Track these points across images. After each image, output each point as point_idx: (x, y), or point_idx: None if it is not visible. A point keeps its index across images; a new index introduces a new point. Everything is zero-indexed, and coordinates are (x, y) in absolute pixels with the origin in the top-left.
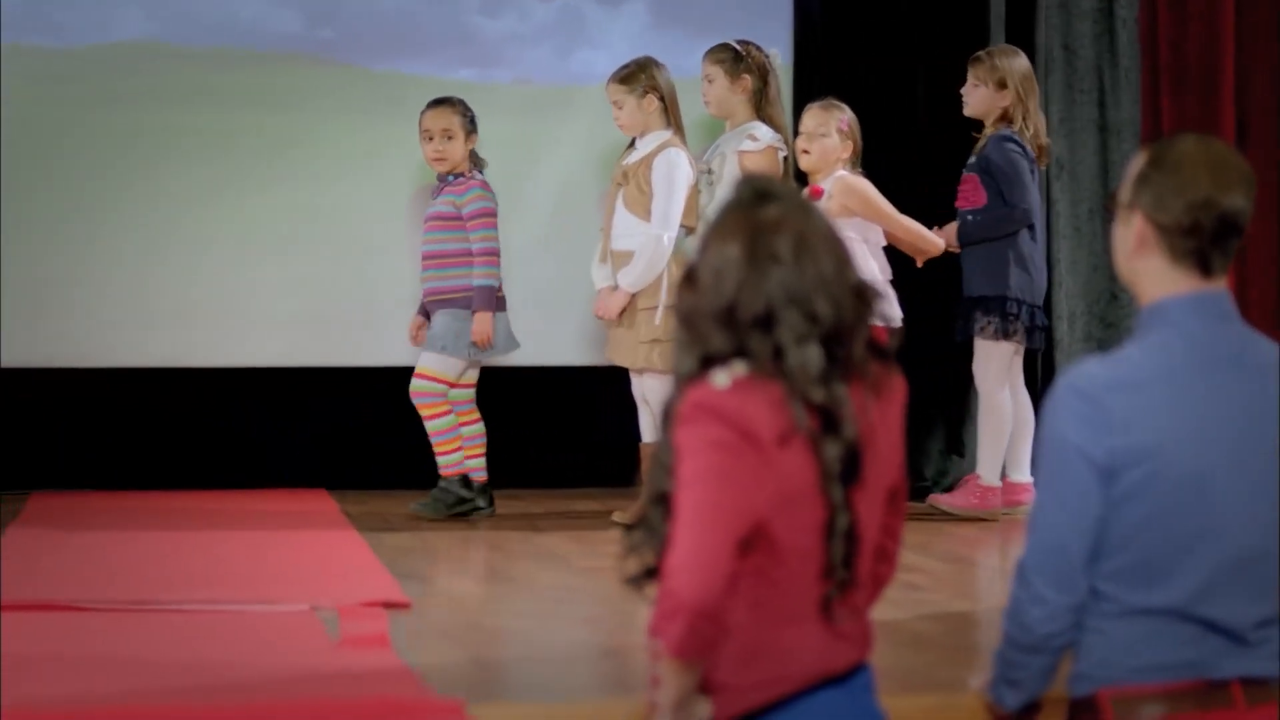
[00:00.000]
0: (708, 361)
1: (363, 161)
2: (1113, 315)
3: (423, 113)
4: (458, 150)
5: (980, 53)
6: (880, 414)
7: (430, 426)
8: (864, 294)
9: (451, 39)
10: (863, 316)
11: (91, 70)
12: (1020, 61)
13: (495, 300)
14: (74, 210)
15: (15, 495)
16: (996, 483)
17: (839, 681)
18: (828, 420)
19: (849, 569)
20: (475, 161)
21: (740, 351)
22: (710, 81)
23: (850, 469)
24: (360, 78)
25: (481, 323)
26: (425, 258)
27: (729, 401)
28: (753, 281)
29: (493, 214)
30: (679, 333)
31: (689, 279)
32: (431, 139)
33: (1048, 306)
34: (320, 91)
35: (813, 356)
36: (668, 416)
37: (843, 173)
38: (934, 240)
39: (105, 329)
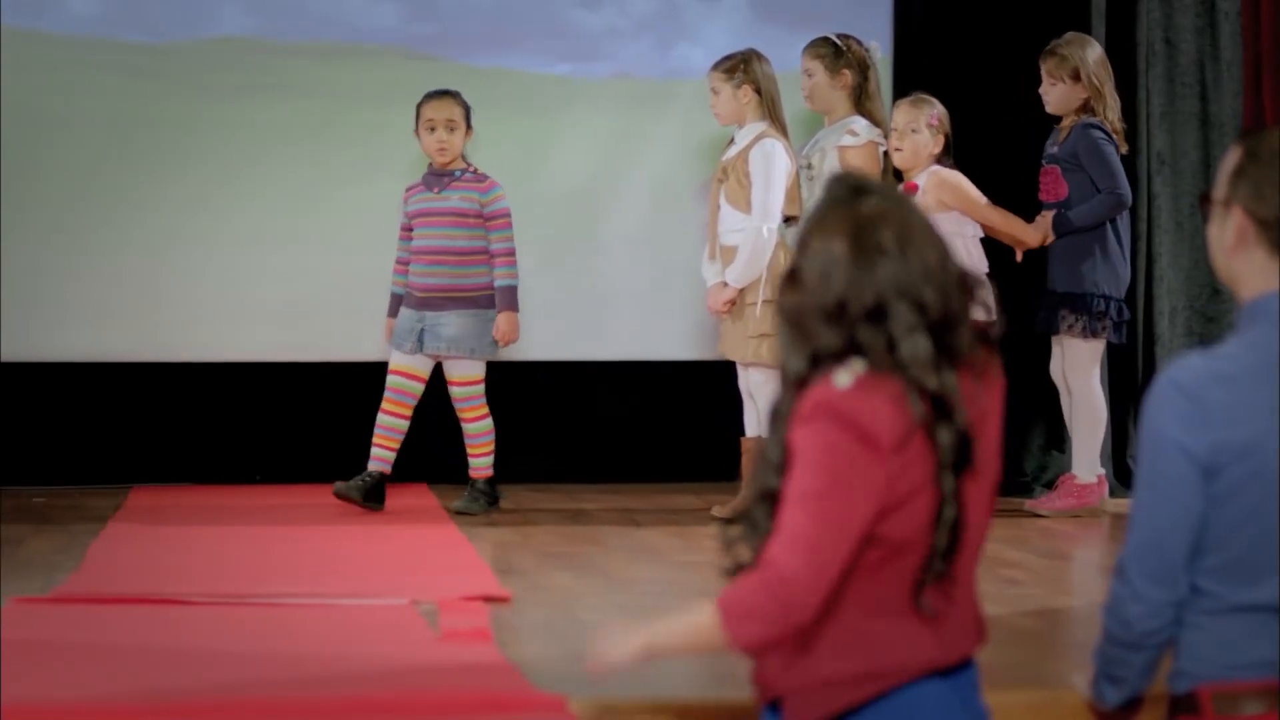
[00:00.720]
0: (816, 359)
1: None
2: (1214, 310)
3: (424, 103)
4: (459, 143)
5: (1050, 46)
6: (984, 403)
7: (473, 429)
8: (967, 282)
9: (549, 33)
10: (967, 305)
11: (184, 65)
12: (1091, 49)
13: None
14: (196, 205)
15: (114, 489)
16: (1093, 478)
17: (945, 675)
18: (940, 408)
19: (947, 560)
20: (465, 158)
21: (851, 347)
22: (810, 76)
23: (962, 457)
24: (457, 72)
25: (510, 322)
26: (432, 253)
27: (853, 403)
28: (861, 276)
29: (510, 214)
30: (785, 332)
31: (793, 278)
32: (434, 129)
33: (1149, 302)
34: (417, 86)
35: (923, 345)
36: (777, 415)
37: (936, 167)
38: (1031, 231)
39: (205, 323)
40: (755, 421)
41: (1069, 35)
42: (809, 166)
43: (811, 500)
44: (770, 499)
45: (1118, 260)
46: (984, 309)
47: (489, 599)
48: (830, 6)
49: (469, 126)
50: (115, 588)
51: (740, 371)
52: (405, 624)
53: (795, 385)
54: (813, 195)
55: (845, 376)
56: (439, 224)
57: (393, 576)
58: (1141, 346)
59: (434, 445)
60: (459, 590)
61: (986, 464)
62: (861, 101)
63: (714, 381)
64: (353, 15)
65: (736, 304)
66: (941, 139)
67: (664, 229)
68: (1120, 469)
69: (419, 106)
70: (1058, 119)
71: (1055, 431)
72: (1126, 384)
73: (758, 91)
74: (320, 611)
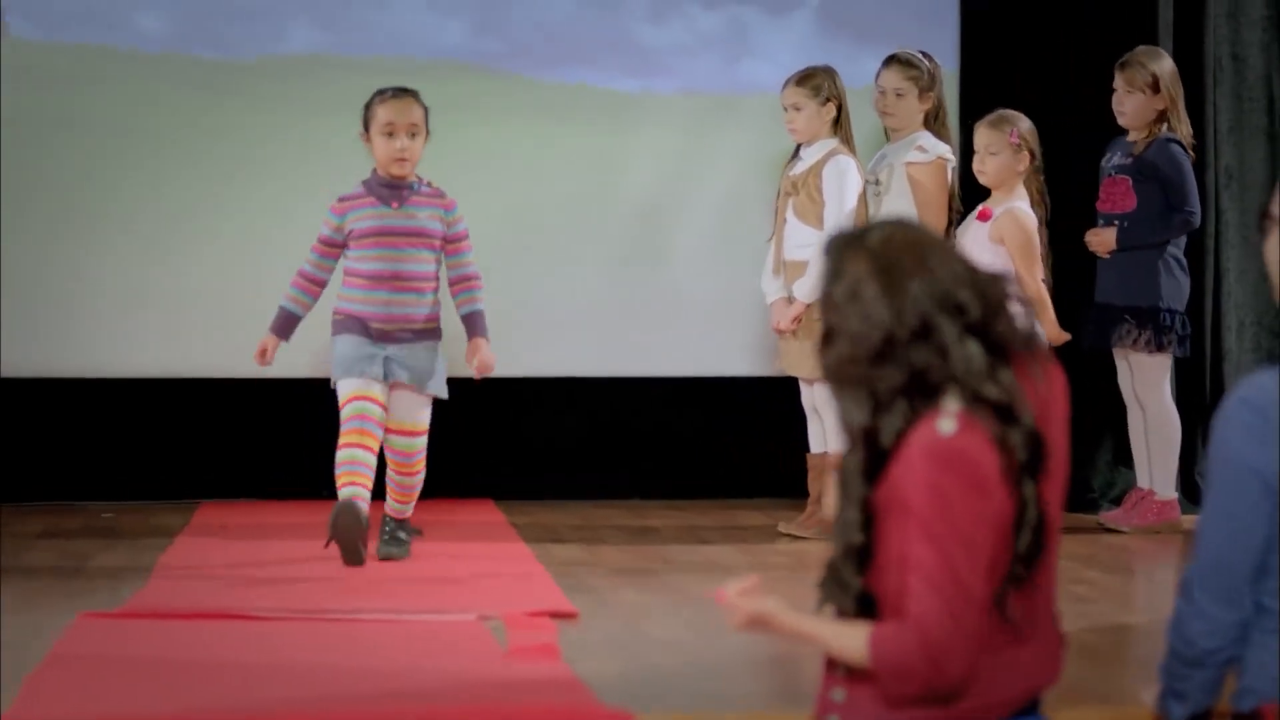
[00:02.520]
0: (877, 405)
1: (525, 172)
2: None
3: (379, 102)
4: (419, 151)
5: (1126, 57)
6: (1046, 403)
7: (414, 481)
8: (994, 277)
9: (616, 48)
10: (1002, 297)
11: (253, 82)
12: (1167, 62)
13: None
14: (270, 216)
15: (183, 504)
16: (1172, 495)
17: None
18: (1005, 414)
19: (1029, 565)
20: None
21: (912, 377)
22: (900, 96)
23: (1035, 457)
24: (524, 87)
25: (487, 350)
26: (395, 279)
27: (962, 447)
28: (898, 302)
29: None
30: (839, 389)
31: (829, 337)
32: (393, 134)
33: (1217, 317)
34: (484, 102)
35: (975, 351)
36: (849, 473)
37: (1017, 206)
38: (1055, 332)
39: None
40: (820, 437)
41: (1143, 48)
42: (876, 182)
43: (946, 553)
44: (856, 556)
45: (1179, 273)
46: (1018, 301)
47: (556, 615)
48: (897, 22)
49: (428, 132)
50: (183, 603)
51: (804, 387)
52: (473, 639)
53: (863, 439)
54: (879, 211)
55: (949, 422)
56: (401, 245)
57: (461, 592)
58: (1210, 362)
59: (500, 461)
60: (527, 606)
61: (1057, 461)
62: (930, 119)
63: (780, 397)
64: (421, 32)
65: (803, 319)
66: (1026, 155)
67: (730, 244)
68: (1188, 486)
69: (372, 106)
70: (1122, 131)
71: (1122, 447)
72: (1195, 400)
73: (839, 108)
74: (388, 626)
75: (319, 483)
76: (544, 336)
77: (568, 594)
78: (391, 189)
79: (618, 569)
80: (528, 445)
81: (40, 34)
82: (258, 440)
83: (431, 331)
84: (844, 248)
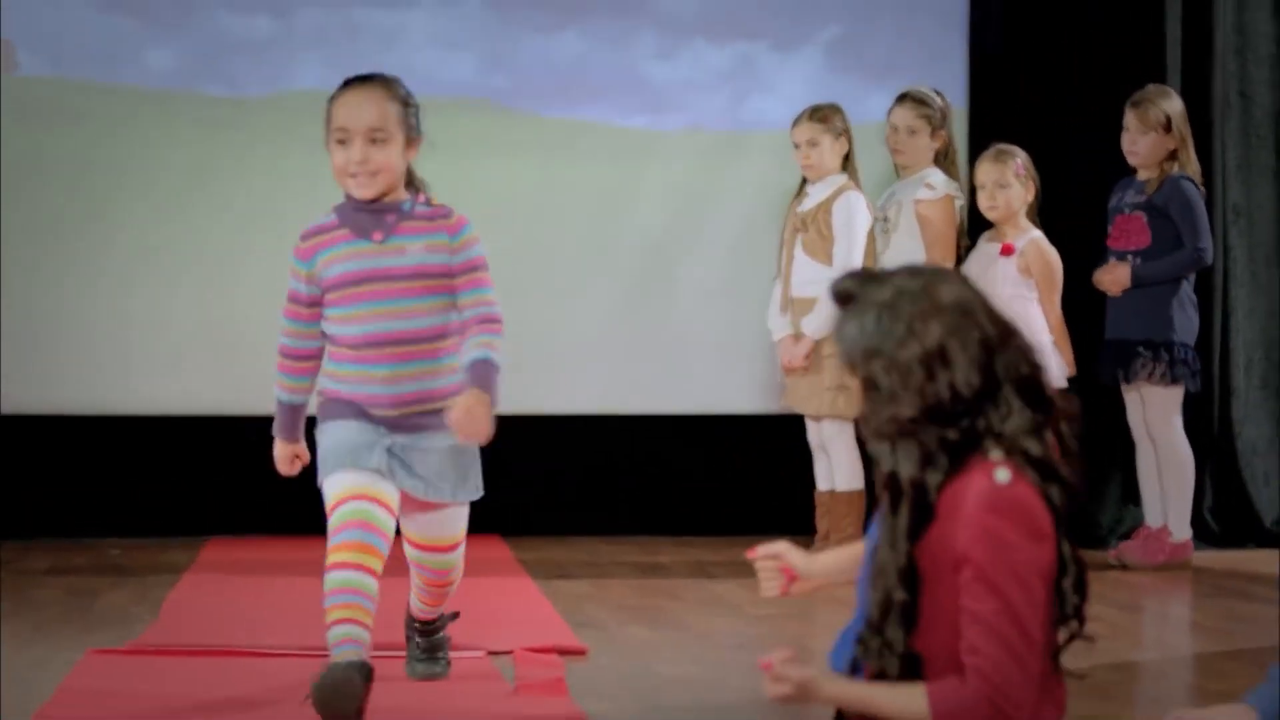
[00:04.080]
0: (926, 456)
1: (532, 208)
2: None
3: (331, 102)
4: (395, 161)
5: (1137, 96)
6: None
7: (451, 589)
8: (1025, 335)
9: (625, 85)
10: (1038, 355)
11: (261, 119)
12: (1178, 102)
13: None
14: (279, 258)
15: (191, 541)
16: (1187, 534)
17: None
18: (1044, 467)
19: (1082, 617)
20: (414, 182)
21: (964, 434)
22: (913, 134)
23: (1071, 510)
24: (533, 124)
25: (478, 408)
26: (390, 344)
27: (1019, 497)
28: (969, 366)
29: None
30: (885, 443)
31: (878, 391)
32: (346, 143)
33: (1225, 354)
34: (492, 138)
35: (1022, 412)
36: (895, 525)
37: (1039, 236)
38: (1072, 361)
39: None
40: (827, 474)
41: (1153, 87)
42: (884, 219)
43: (1007, 601)
44: (902, 613)
45: (1191, 308)
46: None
47: (564, 651)
48: (905, 59)
49: (414, 135)
50: (191, 639)
51: (811, 425)
52: (481, 675)
53: (912, 493)
54: (887, 248)
55: (1004, 472)
56: (393, 294)
57: (468, 628)
58: (1218, 399)
59: (508, 496)
60: (535, 642)
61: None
62: (940, 156)
63: (787, 434)
64: (429, 68)
65: (812, 356)
66: (1032, 186)
67: (738, 281)
68: (1197, 523)
69: (331, 105)
70: (1130, 171)
71: (1131, 484)
72: (1203, 438)
73: (849, 143)
74: (396, 663)
75: (325, 519)
76: (552, 373)
77: (576, 630)
78: (371, 215)
79: (626, 605)
80: (536, 481)
81: (47, 70)
82: (265, 476)
83: (443, 411)
84: (913, 305)
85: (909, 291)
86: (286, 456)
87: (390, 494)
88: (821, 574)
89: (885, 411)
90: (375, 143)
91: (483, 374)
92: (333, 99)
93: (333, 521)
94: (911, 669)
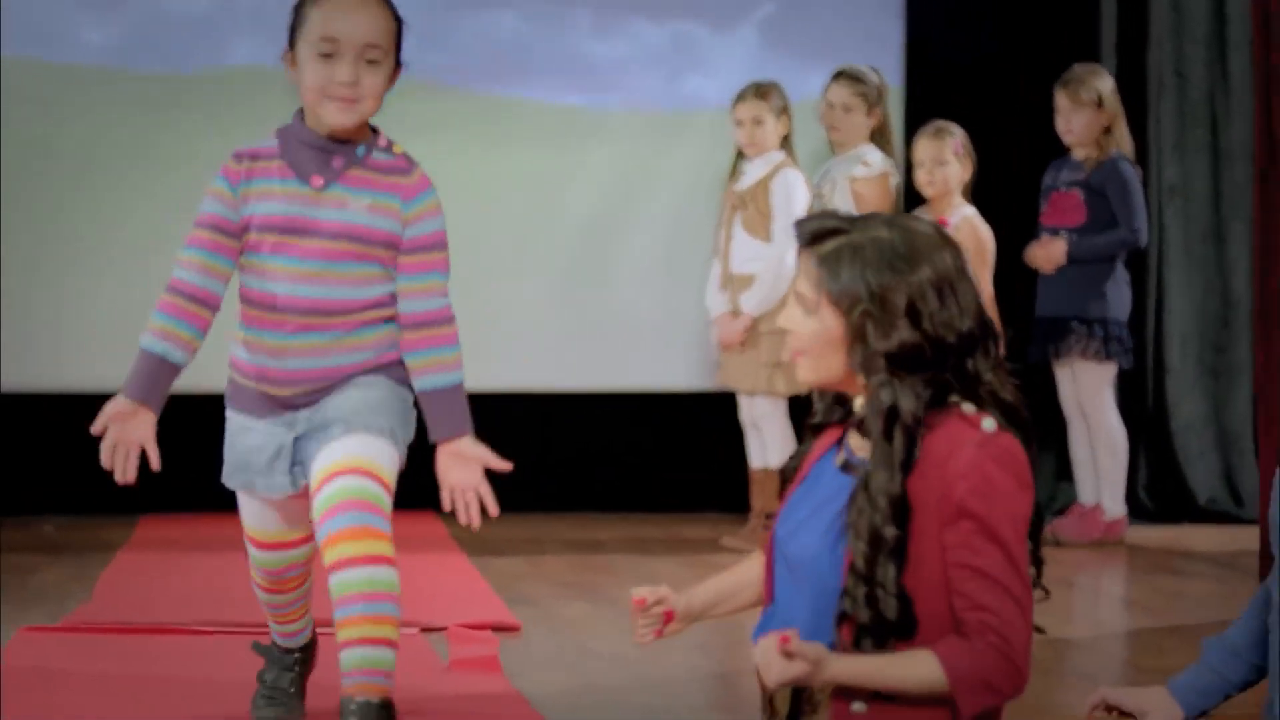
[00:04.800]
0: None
1: (469, 187)
2: (1225, 340)
3: (316, 4)
4: (378, 92)
5: (1065, 77)
6: None
7: (384, 580)
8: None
9: (562, 64)
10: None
11: (199, 97)
12: (1108, 79)
13: None
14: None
15: (125, 519)
16: (1121, 511)
17: None
18: (1017, 419)
19: (1039, 566)
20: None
21: (960, 379)
22: (849, 111)
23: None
24: (470, 102)
25: (473, 468)
26: (309, 312)
27: (1010, 445)
28: (969, 306)
29: None
30: (888, 378)
31: (893, 321)
32: (335, 56)
33: (1159, 332)
34: (428, 116)
35: (995, 357)
36: (887, 461)
37: (973, 213)
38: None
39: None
40: (760, 452)
41: (1080, 66)
42: (819, 196)
43: (1009, 554)
44: (888, 551)
45: (1124, 284)
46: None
47: (499, 628)
48: (841, 39)
49: (399, 63)
50: (126, 617)
51: (744, 402)
52: (414, 652)
53: (906, 430)
54: None
55: (991, 421)
56: (316, 254)
57: (403, 605)
58: (1152, 377)
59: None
60: (469, 619)
61: None
62: (875, 134)
63: (724, 412)
64: None
65: (749, 333)
66: (969, 164)
67: (676, 260)
68: (1131, 500)
69: (303, 8)
70: (1064, 150)
71: (1064, 461)
72: (1137, 415)
73: (790, 122)
74: (329, 640)
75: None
76: (488, 352)
77: (511, 607)
78: (317, 153)
79: (562, 582)
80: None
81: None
82: (199, 453)
83: (379, 371)
84: (918, 237)
85: (907, 227)
86: (116, 413)
87: (299, 525)
88: (701, 609)
89: (896, 337)
90: (369, 63)
91: (451, 407)
92: (314, 2)
93: (252, 561)
94: (907, 611)
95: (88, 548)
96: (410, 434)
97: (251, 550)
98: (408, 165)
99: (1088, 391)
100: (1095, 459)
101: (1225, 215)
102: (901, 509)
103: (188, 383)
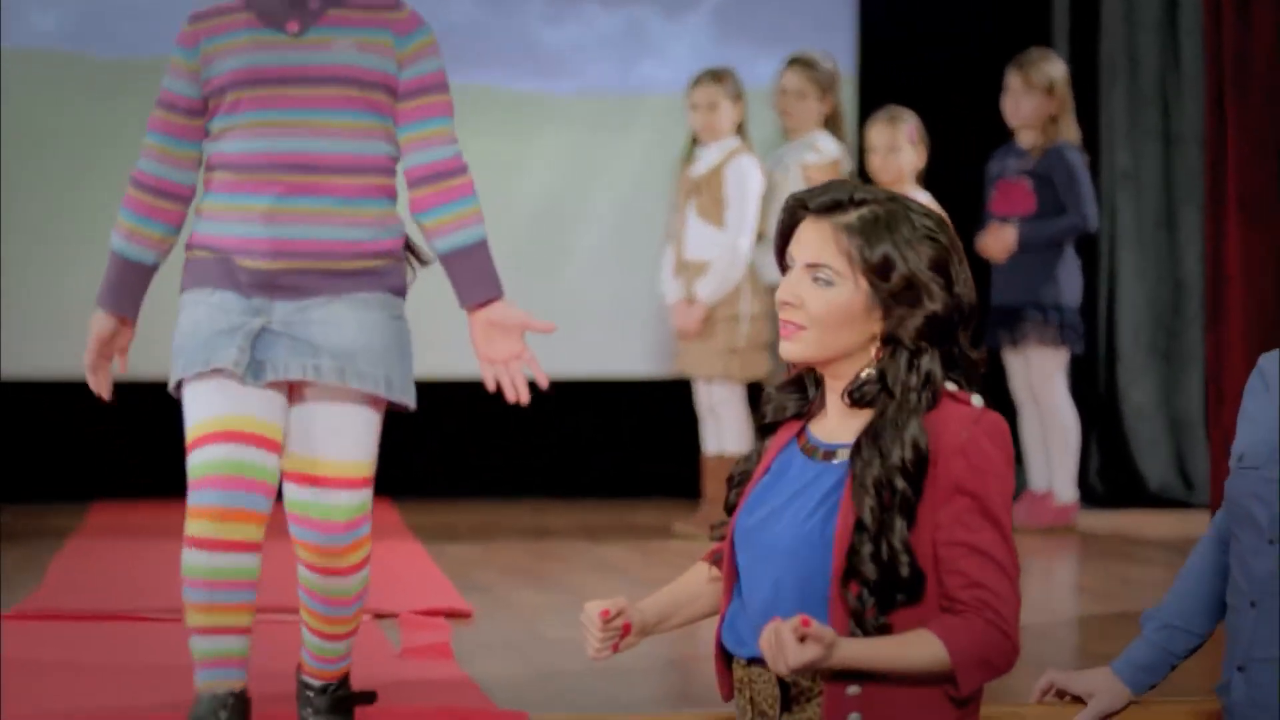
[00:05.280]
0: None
1: None
2: (1177, 326)
3: None
4: None
5: (1020, 58)
6: None
7: (349, 585)
8: None
9: (514, 49)
10: None
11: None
12: (1061, 65)
13: None
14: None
15: (75, 505)
16: (1072, 497)
17: None
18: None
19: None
20: None
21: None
22: (802, 97)
23: None
24: None
25: (511, 326)
26: (292, 168)
27: (1002, 425)
28: (964, 273)
29: None
30: (922, 347)
31: (930, 281)
32: None
33: (1111, 318)
34: None
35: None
36: (904, 422)
37: (926, 198)
38: None
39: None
40: (715, 438)
41: (1037, 50)
42: (772, 183)
43: (1003, 532)
44: (900, 505)
45: (1076, 270)
46: None
47: (451, 614)
48: (794, 25)
49: None
50: (77, 604)
51: (701, 388)
52: (365, 638)
53: (933, 396)
54: (772, 212)
55: (979, 398)
56: (302, 102)
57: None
58: (1104, 363)
59: (397, 454)
60: (421, 605)
61: None
62: (828, 120)
63: (677, 398)
64: None
65: (706, 319)
66: (923, 150)
67: (627, 246)
68: (1083, 486)
69: None
70: (1008, 138)
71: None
72: (1089, 401)
73: (744, 108)
74: (279, 627)
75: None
76: (442, 336)
77: (463, 593)
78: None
79: (514, 568)
80: (425, 443)
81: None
82: (151, 439)
83: (369, 274)
84: (934, 212)
85: (910, 200)
86: (104, 336)
87: (265, 417)
88: (655, 622)
89: (929, 305)
90: None
91: (477, 266)
92: None
93: (191, 468)
94: (916, 569)
95: (38, 535)
96: (410, 368)
97: (195, 455)
98: (394, 0)
99: (1039, 377)
100: (1047, 444)
101: (1177, 201)
102: (920, 465)
103: (136, 370)
